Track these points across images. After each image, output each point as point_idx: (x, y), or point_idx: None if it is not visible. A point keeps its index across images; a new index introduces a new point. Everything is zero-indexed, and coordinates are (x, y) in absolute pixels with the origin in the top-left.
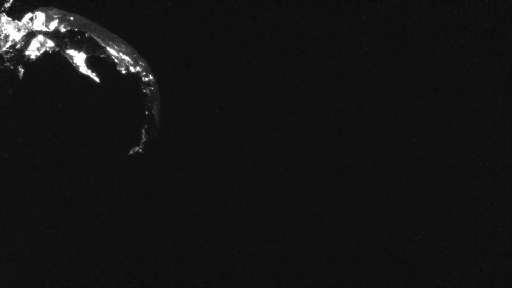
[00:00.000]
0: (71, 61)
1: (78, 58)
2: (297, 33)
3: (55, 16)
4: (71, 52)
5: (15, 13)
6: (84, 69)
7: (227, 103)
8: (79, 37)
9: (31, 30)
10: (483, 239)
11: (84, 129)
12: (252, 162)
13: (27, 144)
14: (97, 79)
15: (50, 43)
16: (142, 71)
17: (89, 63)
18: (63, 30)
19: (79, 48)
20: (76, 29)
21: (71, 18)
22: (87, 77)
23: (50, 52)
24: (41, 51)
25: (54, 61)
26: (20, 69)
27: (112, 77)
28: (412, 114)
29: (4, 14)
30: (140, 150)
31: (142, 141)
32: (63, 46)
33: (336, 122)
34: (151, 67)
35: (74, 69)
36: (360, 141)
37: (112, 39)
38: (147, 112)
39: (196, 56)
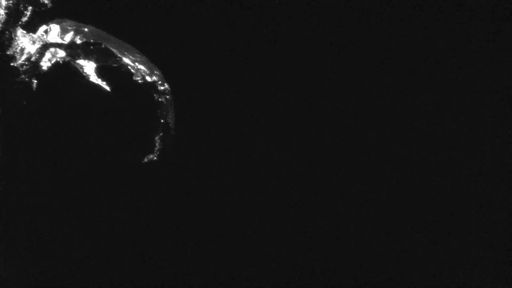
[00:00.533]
0: (81, 70)
1: (88, 67)
2: (310, 40)
3: (69, 28)
4: (81, 61)
5: (30, 26)
6: (94, 78)
7: (237, 108)
8: (94, 48)
9: (46, 42)
10: (483, 239)
11: (97, 137)
12: (262, 167)
13: (43, 153)
14: (107, 88)
15: (61, 53)
16: (158, 80)
17: (99, 72)
18: (78, 41)
19: (92, 59)
20: (91, 41)
21: (86, 30)
22: (98, 86)
23: (61, 62)
24: (52, 62)
25: (66, 71)
26: (33, 80)
27: (123, 86)
28: (412, 114)
29: (20, 27)
30: (155, 158)
31: (156, 148)
32: (75, 57)
33: (346, 123)
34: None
35: (84, 78)
36: (361, 142)
37: (127, 49)
38: (162, 121)
39: (204, 63)
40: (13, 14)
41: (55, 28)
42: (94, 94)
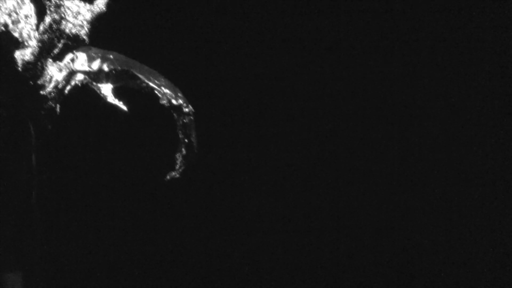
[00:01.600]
0: (98, 92)
1: (105, 88)
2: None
3: (96, 55)
4: (96, 82)
5: (57, 54)
6: (111, 99)
7: (254, 128)
8: (121, 74)
9: (72, 70)
10: (483, 240)
11: (118, 156)
12: (282, 186)
13: (69, 174)
14: (124, 108)
15: (80, 76)
16: (183, 103)
17: (116, 93)
18: (106, 69)
19: (116, 83)
20: (119, 68)
21: (111, 56)
22: (115, 106)
23: (79, 85)
24: (72, 85)
25: (85, 93)
26: (57, 105)
27: (140, 106)
28: (413, 115)
29: (50, 58)
30: (177, 175)
31: (178, 166)
32: (96, 80)
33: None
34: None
35: (102, 99)
36: (363, 143)
37: (150, 73)
38: (186, 140)
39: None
40: (46, 46)
41: (81, 56)
42: (112, 114)
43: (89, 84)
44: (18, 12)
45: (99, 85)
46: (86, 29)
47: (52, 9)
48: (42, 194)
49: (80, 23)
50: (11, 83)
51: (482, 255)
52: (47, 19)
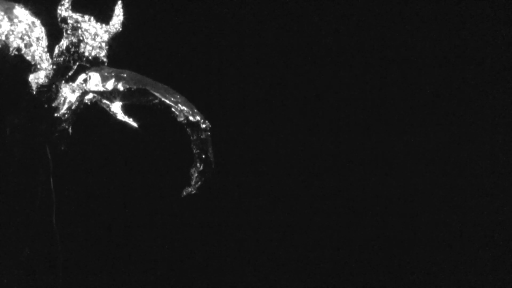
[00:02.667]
0: (108, 109)
1: (115, 106)
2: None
3: (109, 75)
4: (107, 101)
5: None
6: (121, 116)
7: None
8: (137, 93)
9: (85, 90)
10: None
11: (132, 173)
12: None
13: (84, 193)
14: (135, 125)
15: (89, 95)
16: (201, 119)
17: (125, 109)
18: (121, 88)
19: (129, 101)
20: (134, 87)
21: (125, 75)
22: (126, 123)
23: (89, 103)
24: (82, 104)
25: (94, 111)
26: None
27: (150, 122)
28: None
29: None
30: (194, 191)
31: (194, 182)
32: (110, 100)
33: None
34: None
35: (111, 116)
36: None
37: (166, 90)
38: (203, 156)
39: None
40: (61, 69)
41: (94, 76)
42: (124, 131)
43: (98, 102)
44: (30, 35)
45: (108, 103)
46: (105, 50)
47: (69, 32)
48: (60, 215)
49: (99, 44)
50: (25, 106)
51: (482, 255)
52: (64, 42)
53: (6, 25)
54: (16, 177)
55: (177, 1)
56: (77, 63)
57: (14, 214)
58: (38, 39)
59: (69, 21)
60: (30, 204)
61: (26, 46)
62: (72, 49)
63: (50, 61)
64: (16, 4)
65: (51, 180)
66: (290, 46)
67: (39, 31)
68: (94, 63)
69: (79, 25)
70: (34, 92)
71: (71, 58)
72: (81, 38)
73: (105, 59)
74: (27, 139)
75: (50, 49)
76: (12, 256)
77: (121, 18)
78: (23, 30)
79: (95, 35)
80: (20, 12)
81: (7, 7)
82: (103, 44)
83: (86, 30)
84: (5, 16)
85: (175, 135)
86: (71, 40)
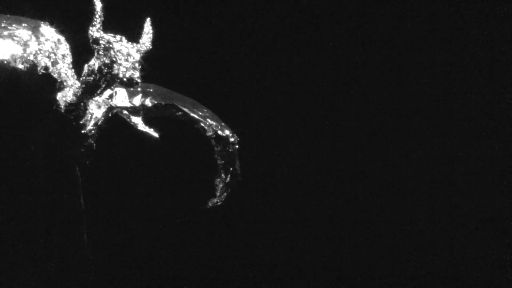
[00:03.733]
0: (128, 120)
1: (135, 116)
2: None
3: (134, 90)
4: (119, 104)
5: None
6: (142, 127)
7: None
8: (165, 109)
9: (111, 106)
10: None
11: (155, 184)
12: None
13: (110, 206)
14: (155, 135)
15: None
16: (230, 133)
17: (145, 120)
18: (149, 104)
19: (157, 115)
20: (162, 102)
21: (151, 90)
22: (146, 133)
23: (110, 115)
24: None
25: (116, 122)
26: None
27: (171, 132)
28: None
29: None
30: (220, 202)
31: (219, 193)
32: (136, 114)
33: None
34: None
35: (132, 127)
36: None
37: (193, 105)
38: (231, 168)
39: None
40: (90, 88)
41: (120, 91)
42: (145, 142)
43: (119, 113)
44: (56, 53)
45: (128, 113)
46: (138, 71)
47: (101, 52)
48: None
49: (132, 65)
50: (51, 124)
51: (483, 255)
52: (96, 63)
53: (34, 45)
54: (41, 193)
55: (199, 15)
56: (111, 85)
57: (39, 230)
58: (63, 56)
59: (101, 42)
60: (58, 219)
61: (53, 64)
62: (105, 70)
63: (75, 77)
64: (42, 22)
65: (82, 199)
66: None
67: (64, 48)
68: (128, 85)
69: (111, 45)
70: (63, 110)
71: (103, 79)
72: (114, 59)
73: (139, 80)
74: (52, 156)
75: (74, 65)
76: (40, 274)
77: (151, 35)
78: (50, 49)
79: (128, 55)
80: (46, 30)
81: (33, 26)
82: (136, 65)
83: (119, 51)
84: (33, 36)
85: (195, 145)
86: (104, 61)
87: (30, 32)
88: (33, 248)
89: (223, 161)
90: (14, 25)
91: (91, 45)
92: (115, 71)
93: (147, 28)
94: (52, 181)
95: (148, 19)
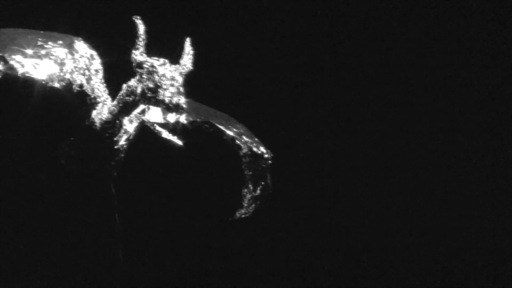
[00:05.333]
0: (152, 128)
1: (152, 120)
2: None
3: None
4: (152, 119)
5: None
6: (166, 134)
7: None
8: (201, 126)
9: (143, 121)
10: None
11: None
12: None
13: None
14: (179, 142)
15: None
16: (264, 150)
17: (171, 128)
18: (184, 121)
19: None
20: (198, 119)
21: (185, 106)
22: (171, 141)
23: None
24: None
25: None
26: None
27: (195, 141)
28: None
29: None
30: (248, 214)
31: (247, 204)
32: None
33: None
34: None
35: (156, 135)
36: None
37: (227, 121)
38: (263, 182)
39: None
40: (128, 107)
41: (154, 107)
42: (170, 150)
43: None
44: (90, 69)
45: (153, 121)
46: (184, 96)
47: (144, 76)
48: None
49: (177, 90)
50: (84, 139)
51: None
52: (138, 86)
53: (70, 63)
54: (71, 207)
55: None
56: (160, 109)
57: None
58: (96, 71)
59: (145, 65)
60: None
61: (87, 81)
62: (149, 94)
63: (107, 92)
64: (75, 38)
65: (117, 215)
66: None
67: (97, 63)
68: (174, 110)
69: (155, 69)
70: (98, 128)
71: (146, 102)
72: (158, 84)
73: (185, 106)
74: (82, 169)
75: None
76: None
77: (191, 56)
78: (84, 65)
79: (172, 79)
80: (80, 46)
81: (69, 42)
82: (181, 89)
83: (163, 75)
84: (68, 54)
85: (219, 153)
86: (147, 85)
87: (66, 50)
88: (67, 263)
89: (252, 174)
90: (50, 43)
91: (134, 68)
92: (161, 97)
93: (188, 48)
94: (85, 196)
95: (188, 39)
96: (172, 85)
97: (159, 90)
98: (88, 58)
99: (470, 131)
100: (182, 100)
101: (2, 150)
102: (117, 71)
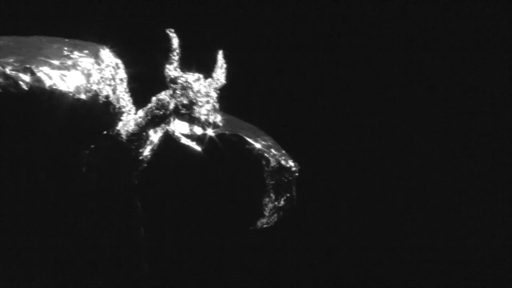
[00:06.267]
0: (172, 133)
1: (178, 134)
2: None
3: None
4: (172, 126)
5: None
6: (184, 140)
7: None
8: (229, 139)
9: (168, 131)
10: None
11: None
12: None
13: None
14: (198, 148)
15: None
16: (292, 164)
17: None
18: (212, 134)
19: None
20: (226, 132)
21: None
22: (189, 147)
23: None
24: None
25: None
26: None
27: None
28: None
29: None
30: (270, 224)
31: (268, 213)
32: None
33: None
34: None
35: (175, 141)
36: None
37: (255, 133)
38: (288, 194)
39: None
40: (157, 121)
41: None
42: (189, 156)
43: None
44: (115, 78)
45: (173, 128)
46: (220, 113)
47: (178, 92)
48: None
49: (213, 107)
50: (107, 149)
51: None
52: (171, 102)
53: (96, 74)
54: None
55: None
56: (195, 126)
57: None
58: (121, 80)
59: (179, 81)
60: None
61: (113, 91)
62: (183, 111)
63: (131, 101)
64: (100, 46)
65: (142, 228)
66: None
67: (122, 72)
68: (210, 127)
69: (189, 85)
70: (124, 140)
71: (179, 118)
72: (194, 101)
73: (221, 124)
74: (103, 178)
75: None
76: None
77: (224, 70)
78: (110, 75)
79: (207, 95)
80: (105, 54)
81: (94, 51)
82: (217, 106)
83: (198, 91)
84: (95, 64)
85: (245, 164)
86: (181, 102)
87: (92, 60)
88: (88, 272)
89: (277, 185)
90: (76, 53)
91: (167, 84)
92: (196, 114)
93: (220, 61)
94: (107, 207)
95: (221, 52)
96: (207, 102)
97: (194, 107)
98: (113, 67)
99: (470, 131)
100: (218, 118)
101: (28, 164)
102: (140, 79)
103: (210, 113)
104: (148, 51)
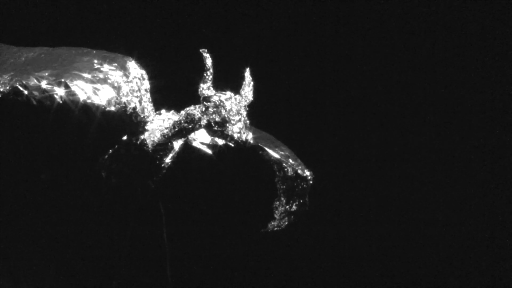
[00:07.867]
0: (190, 143)
1: (197, 141)
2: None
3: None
4: (192, 135)
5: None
6: (197, 143)
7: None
8: (250, 151)
9: (188, 140)
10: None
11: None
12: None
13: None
14: (210, 152)
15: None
16: (308, 173)
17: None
18: (233, 145)
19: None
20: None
21: None
22: (201, 150)
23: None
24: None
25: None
26: None
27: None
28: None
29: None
30: (281, 227)
31: (279, 217)
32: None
33: None
34: None
35: (195, 151)
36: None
37: (273, 143)
38: (301, 200)
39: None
40: (184, 133)
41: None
42: (200, 158)
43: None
44: (141, 89)
45: (193, 137)
46: (251, 131)
47: (211, 110)
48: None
49: (244, 125)
50: (134, 159)
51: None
52: (204, 118)
53: (125, 86)
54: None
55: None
56: (227, 143)
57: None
58: (146, 90)
59: (212, 99)
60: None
61: (140, 102)
62: (215, 128)
63: (153, 110)
64: (127, 58)
65: (165, 234)
66: None
67: (147, 82)
68: (241, 145)
69: (222, 103)
70: (150, 150)
71: (213, 135)
72: (226, 119)
73: (252, 141)
74: (122, 183)
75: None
76: None
77: (251, 87)
78: (136, 87)
79: (238, 113)
80: (132, 66)
81: (122, 63)
82: (248, 123)
83: (230, 110)
84: (124, 76)
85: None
86: (214, 119)
87: (121, 73)
88: (110, 276)
89: (291, 192)
90: (105, 66)
91: (201, 102)
92: (229, 132)
93: (248, 78)
94: (127, 211)
95: (248, 69)
96: (239, 120)
97: (226, 124)
98: (139, 78)
99: (469, 131)
100: (250, 136)
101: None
102: (163, 89)
103: (242, 130)
104: (169, 61)
